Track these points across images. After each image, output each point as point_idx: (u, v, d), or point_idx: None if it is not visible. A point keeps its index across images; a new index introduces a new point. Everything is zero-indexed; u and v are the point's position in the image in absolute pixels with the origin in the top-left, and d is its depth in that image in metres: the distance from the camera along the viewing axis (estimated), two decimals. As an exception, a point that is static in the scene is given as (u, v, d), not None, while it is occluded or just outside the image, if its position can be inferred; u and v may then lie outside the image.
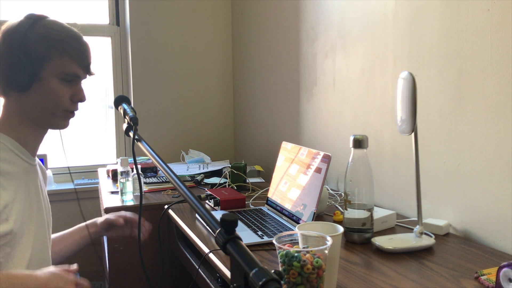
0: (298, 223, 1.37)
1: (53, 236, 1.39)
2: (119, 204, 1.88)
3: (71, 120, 1.25)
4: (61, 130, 1.26)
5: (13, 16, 1.18)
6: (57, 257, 1.39)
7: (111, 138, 2.97)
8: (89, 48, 1.23)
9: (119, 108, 1.28)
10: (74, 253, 1.45)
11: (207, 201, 1.79)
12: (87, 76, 1.24)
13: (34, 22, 1.15)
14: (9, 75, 1.12)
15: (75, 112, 1.23)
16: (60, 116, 1.20)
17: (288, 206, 1.49)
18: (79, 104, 1.23)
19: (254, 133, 2.80)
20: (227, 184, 2.09)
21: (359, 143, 1.26)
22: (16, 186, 1.13)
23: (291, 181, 1.52)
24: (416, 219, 1.25)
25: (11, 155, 1.15)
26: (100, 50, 2.92)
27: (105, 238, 2.04)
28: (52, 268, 1.10)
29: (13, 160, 1.15)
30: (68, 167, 2.85)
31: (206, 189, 1.92)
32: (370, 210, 1.27)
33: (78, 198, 2.65)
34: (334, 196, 1.85)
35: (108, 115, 2.99)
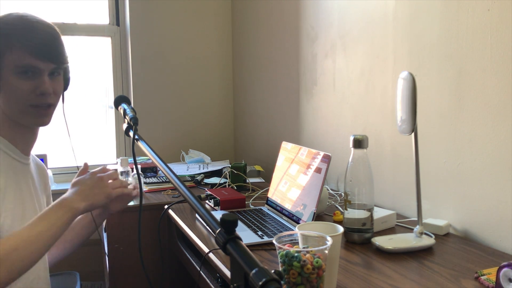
0: (298, 223, 1.37)
1: None
2: (119, 204, 1.88)
3: (54, 115, 1.20)
4: (45, 126, 1.21)
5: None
6: (61, 253, 1.38)
7: (111, 138, 2.97)
8: (47, 36, 1.14)
9: (119, 108, 1.28)
10: (79, 246, 1.43)
11: (207, 201, 1.79)
12: (56, 66, 1.16)
13: None
14: None
15: (50, 105, 1.16)
16: (29, 112, 1.15)
17: (288, 206, 1.49)
18: (46, 96, 1.14)
19: (254, 133, 2.80)
20: (227, 184, 2.09)
21: (359, 143, 1.26)
22: (4, 184, 1.13)
23: (291, 181, 1.52)
24: (416, 219, 1.25)
25: None
26: (100, 50, 2.92)
27: (105, 238, 2.04)
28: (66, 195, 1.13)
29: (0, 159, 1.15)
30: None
31: (206, 189, 1.92)
32: (370, 210, 1.27)
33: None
34: (334, 196, 1.85)
35: (108, 115, 2.99)
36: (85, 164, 1.30)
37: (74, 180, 1.21)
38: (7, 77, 1.12)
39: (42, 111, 1.17)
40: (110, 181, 1.25)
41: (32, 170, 1.27)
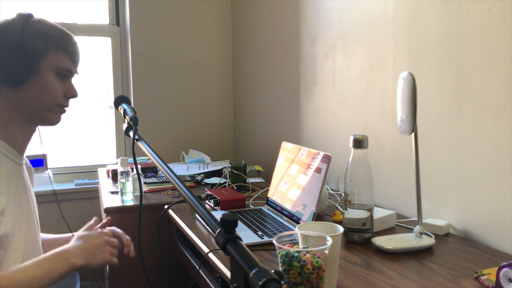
0: (298, 223, 1.37)
1: (45, 237, 1.38)
2: (119, 204, 1.88)
3: (63, 117, 1.25)
4: (53, 126, 1.26)
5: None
6: None
7: (111, 138, 2.97)
8: (77, 44, 1.25)
9: (119, 108, 1.28)
10: None
11: (207, 201, 1.79)
12: (77, 73, 1.26)
13: (27, 19, 1.17)
14: (5, 70, 1.12)
15: (66, 108, 1.24)
16: (54, 111, 1.21)
17: (288, 206, 1.49)
18: (71, 100, 1.24)
19: (254, 133, 2.80)
20: (227, 184, 2.09)
21: (359, 143, 1.26)
22: (7, 187, 1.13)
23: (291, 181, 1.52)
24: (416, 219, 1.25)
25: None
26: (100, 50, 2.92)
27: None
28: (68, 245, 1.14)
29: (1, 161, 1.15)
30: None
31: (206, 189, 1.92)
32: (370, 210, 1.27)
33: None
34: (334, 196, 1.85)
35: (108, 115, 2.99)
36: (96, 220, 1.32)
37: (81, 233, 1.23)
38: (46, 75, 1.16)
39: (63, 111, 1.24)
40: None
41: (25, 169, 1.27)
